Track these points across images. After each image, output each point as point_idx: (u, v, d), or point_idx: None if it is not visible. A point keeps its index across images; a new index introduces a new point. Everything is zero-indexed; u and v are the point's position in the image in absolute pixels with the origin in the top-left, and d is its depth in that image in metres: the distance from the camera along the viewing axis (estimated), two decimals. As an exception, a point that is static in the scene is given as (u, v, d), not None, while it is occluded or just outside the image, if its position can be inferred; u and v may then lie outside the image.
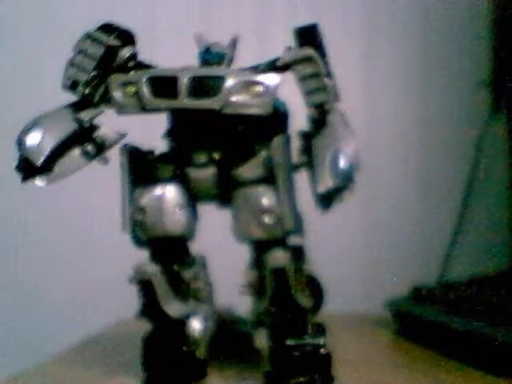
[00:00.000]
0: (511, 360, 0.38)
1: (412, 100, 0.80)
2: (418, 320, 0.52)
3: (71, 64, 0.38)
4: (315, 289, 0.40)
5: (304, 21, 0.38)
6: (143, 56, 0.40)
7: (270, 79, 0.36)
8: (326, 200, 0.35)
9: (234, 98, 0.36)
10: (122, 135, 0.39)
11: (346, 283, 0.72)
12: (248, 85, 0.36)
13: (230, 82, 0.36)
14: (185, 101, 0.36)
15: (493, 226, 0.78)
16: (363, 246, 0.79)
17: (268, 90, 0.36)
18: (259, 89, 0.36)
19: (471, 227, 0.76)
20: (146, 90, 0.36)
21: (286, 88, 0.37)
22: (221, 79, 0.36)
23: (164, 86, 0.36)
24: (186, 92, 0.36)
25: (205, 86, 0.36)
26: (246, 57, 0.39)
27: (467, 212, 0.76)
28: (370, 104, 0.79)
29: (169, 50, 0.61)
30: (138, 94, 0.37)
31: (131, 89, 0.37)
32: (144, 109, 0.37)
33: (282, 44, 0.38)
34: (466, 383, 0.39)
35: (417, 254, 0.78)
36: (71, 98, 0.39)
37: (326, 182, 0.34)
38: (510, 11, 0.73)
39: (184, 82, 0.36)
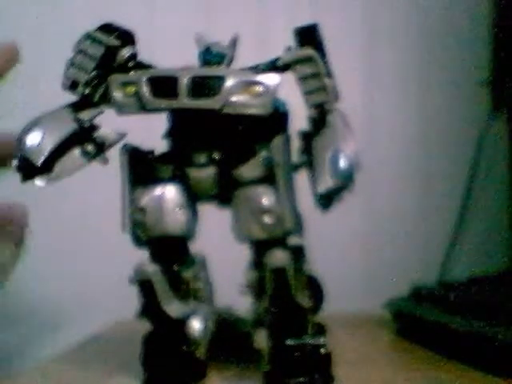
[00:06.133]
0: (511, 360, 0.38)
1: (412, 100, 0.80)
2: (418, 320, 0.52)
3: (71, 64, 0.38)
4: (315, 289, 0.40)
5: (304, 21, 0.38)
6: (143, 56, 0.40)
7: (270, 79, 0.36)
8: (326, 200, 0.35)
9: (233, 98, 0.36)
10: (122, 135, 0.39)
11: (346, 283, 0.72)
12: (248, 85, 0.36)
13: (229, 82, 0.36)
14: (185, 101, 0.36)
15: (493, 226, 0.78)
16: (363, 246, 0.79)
17: (268, 89, 0.36)
18: (259, 89, 0.36)
19: (471, 227, 0.76)
20: (145, 90, 0.36)
21: (286, 88, 0.37)
22: (221, 79, 0.36)
23: (164, 85, 0.36)
24: (186, 92, 0.36)
25: (205, 86, 0.36)
26: (246, 57, 0.39)
27: (467, 212, 0.76)
28: (370, 104, 0.79)
29: (169, 49, 0.61)
30: (137, 94, 0.37)
31: (131, 89, 0.37)
32: (144, 109, 0.37)
33: (282, 44, 0.38)
34: (466, 383, 0.39)
35: (417, 254, 0.78)
36: (71, 98, 0.39)
37: (326, 182, 0.34)
38: (510, 11, 0.73)
39: (184, 81, 0.36)
